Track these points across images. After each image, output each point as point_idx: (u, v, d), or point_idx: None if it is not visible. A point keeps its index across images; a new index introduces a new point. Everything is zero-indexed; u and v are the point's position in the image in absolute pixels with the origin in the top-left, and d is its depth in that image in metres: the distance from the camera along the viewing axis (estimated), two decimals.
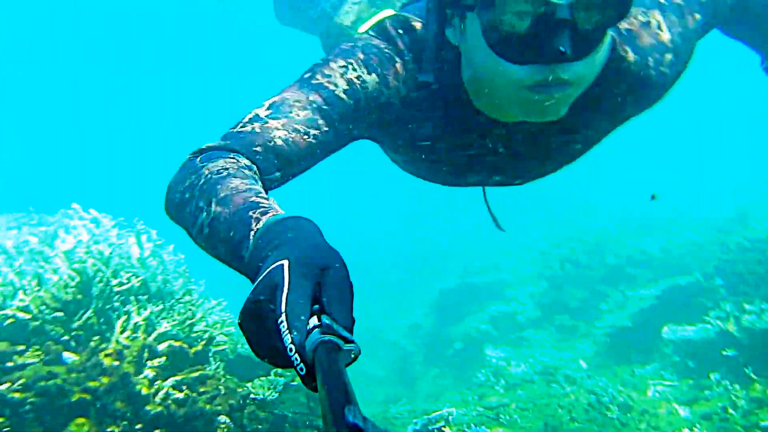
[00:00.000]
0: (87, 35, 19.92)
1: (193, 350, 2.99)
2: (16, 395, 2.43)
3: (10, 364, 2.58)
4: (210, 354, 3.08)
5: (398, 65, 1.29)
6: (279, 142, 1.17)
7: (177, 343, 2.91)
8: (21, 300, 2.81)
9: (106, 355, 2.66)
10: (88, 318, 2.88)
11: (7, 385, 2.44)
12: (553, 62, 1.10)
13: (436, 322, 8.41)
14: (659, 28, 1.34)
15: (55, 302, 2.85)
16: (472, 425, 3.90)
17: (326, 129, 1.22)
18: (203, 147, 1.17)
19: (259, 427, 2.79)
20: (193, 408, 2.64)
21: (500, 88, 1.19)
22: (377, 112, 1.29)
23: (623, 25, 1.32)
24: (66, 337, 2.80)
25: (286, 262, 0.72)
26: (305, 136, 1.20)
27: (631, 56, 1.33)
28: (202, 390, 2.76)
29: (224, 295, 3.64)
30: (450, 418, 3.70)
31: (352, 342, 0.67)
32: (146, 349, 2.77)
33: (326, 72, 1.25)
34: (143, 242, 3.44)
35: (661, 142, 19.97)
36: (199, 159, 1.13)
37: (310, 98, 1.22)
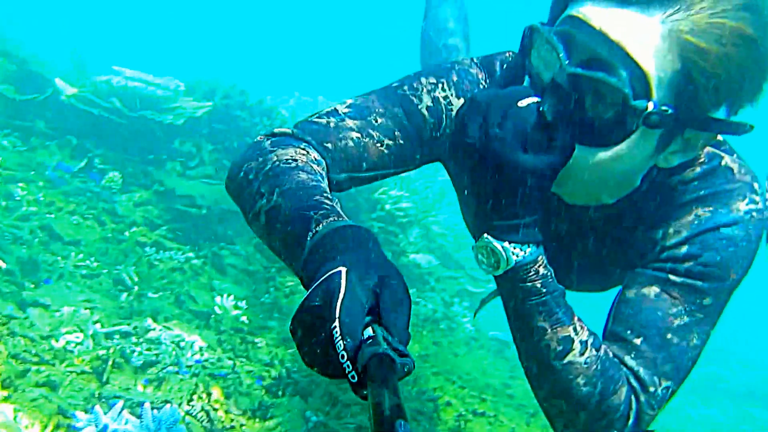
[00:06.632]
0: None
1: None
2: None
3: None
4: None
5: None
6: (350, 143, 1.16)
7: None
8: None
9: None
10: None
11: None
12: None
13: None
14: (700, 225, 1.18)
15: None
16: None
17: (401, 142, 1.20)
18: (275, 131, 1.17)
19: None
20: None
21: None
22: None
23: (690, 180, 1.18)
24: None
25: (343, 270, 0.73)
26: (378, 144, 1.18)
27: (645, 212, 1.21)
28: None
29: None
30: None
31: (406, 356, 0.67)
32: None
33: (414, 85, 1.23)
34: None
35: None
36: (270, 142, 1.12)
37: (392, 108, 1.21)
